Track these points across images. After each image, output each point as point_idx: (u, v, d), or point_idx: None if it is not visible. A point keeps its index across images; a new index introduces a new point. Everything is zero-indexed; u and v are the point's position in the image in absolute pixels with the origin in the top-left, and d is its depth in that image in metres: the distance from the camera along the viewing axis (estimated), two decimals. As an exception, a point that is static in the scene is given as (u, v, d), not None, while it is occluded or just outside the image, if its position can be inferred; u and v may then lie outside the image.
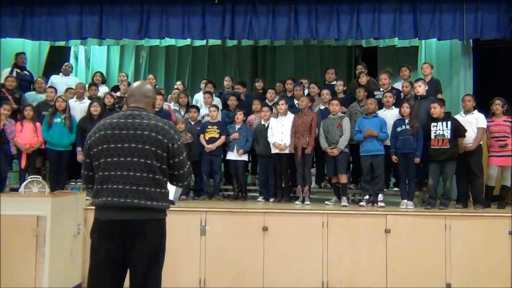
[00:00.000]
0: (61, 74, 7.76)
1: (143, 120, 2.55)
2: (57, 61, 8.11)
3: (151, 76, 7.92)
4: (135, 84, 2.80)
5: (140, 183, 2.48)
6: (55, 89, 7.00)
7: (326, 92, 6.41)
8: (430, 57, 7.72)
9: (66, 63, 7.92)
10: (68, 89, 7.20)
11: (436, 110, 5.56)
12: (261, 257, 5.05)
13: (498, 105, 5.71)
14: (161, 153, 2.53)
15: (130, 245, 2.47)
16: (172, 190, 2.97)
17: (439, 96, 6.38)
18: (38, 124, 6.36)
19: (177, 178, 2.68)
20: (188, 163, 2.71)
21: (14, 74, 7.24)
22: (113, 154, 2.50)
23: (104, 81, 8.04)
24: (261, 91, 7.28)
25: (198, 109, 6.85)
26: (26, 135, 6.26)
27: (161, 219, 2.60)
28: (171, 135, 2.57)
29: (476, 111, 5.74)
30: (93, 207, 2.58)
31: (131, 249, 2.47)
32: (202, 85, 7.77)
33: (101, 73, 8.11)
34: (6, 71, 7.34)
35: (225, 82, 7.73)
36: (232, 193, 6.55)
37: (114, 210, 2.47)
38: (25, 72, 7.56)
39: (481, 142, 5.66)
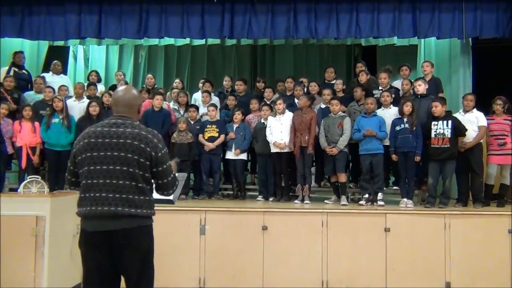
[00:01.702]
0: (51, 72, 7.71)
1: (126, 128, 2.55)
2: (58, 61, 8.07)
3: (150, 75, 7.92)
4: (119, 90, 2.77)
5: (123, 190, 2.48)
6: (53, 89, 6.98)
7: (327, 92, 6.39)
8: (429, 56, 7.73)
9: (54, 62, 7.81)
10: (61, 86, 7.15)
11: (438, 109, 5.56)
12: (261, 257, 5.05)
13: (499, 105, 5.71)
14: (143, 161, 2.53)
15: (118, 253, 2.48)
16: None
17: (440, 95, 6.38)
18: (36, 123, 6.36)
19: (161, 187, 2.66)
20: (174, 172, 2.69)
21: (12, 73, 7.22)
22: (96, 162, 2.51)
23: (99, 80, 8.01)
24: (263, 90, 7.27)
25: (197, 108, 6.84)
26: (25, 135, 6.26)
27: (147, 225, 2.59)
28: (154, 143, 2.57)
29: (475, 109, 5.74)
30: (81, 220, 2.58)
31: (121, 258, 2.49)
32: (200, 85, 7.77)
33: (97, 72, 8.08)
34: (3, 70, 7.32)
35: (224, 82, 7.72)
36: (231, 192, 6.55)
37: (98, 219, 2.47)
38: (23, 71, 7.55)
39: (481, 141, 5.66)
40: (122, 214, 2.46)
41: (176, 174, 2.82)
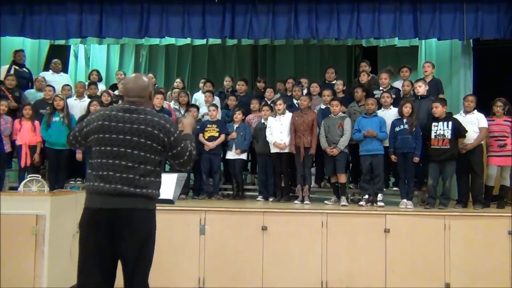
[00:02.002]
0: (51, 71, 7.71)
1: (140, 115, 2.61)
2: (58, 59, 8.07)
3: (151, 75, 7.90)
4: (131, 77, 2.81)
5: (131, 171, 2.53)
6: (54, 88, 6.99)
7: (327, 93, 6.39)
8: (430, 57, 7.73)
9: (54, 60, 7.80)
10: (64, 86, 7.18)
11: (438, 109, 5.55)
12: (260, 257, 5.05)
13: (499, 106, 5.70)
14: (156, 146, 2.59)
15: (118, 234, 2.48)
16: (172, 189, 2.97)
17: (441, 96, 6.37)
18: (36, 122, 6.37)
19: (178, 166, 2.77)
20: (190, 148, 2.73)
21: (12, 71, 7.23)
22: (107, 143, 2.56)
23: (100, 79, 8.02)
24: (263, 90, 7.28)
25: (197, 108, 6.84)
26: (25, 134, 6.27)
27: (150, 209, 2.61)
28: (167, 129, 2.62)
29: (475, 111, 5.74)
30: (86, 197, 2.61)
31: (120, 240, 2.49)
32: (201, 85, 7.78)
33: (98, 71, 8.09)
34: (4, 68, 7.33)
35: (225, 82, 7.72)
36: (231, 192, 6.55)
37: (103, 196, 2.50)
38: (24, 69, 7.56)
39: (482, 142, 5.66)
40: (127, 193, 2.50)
41: (177, 174, 2.84)
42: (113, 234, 2.48)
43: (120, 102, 6.78)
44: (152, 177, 2.59)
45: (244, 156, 6.45)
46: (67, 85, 7.26)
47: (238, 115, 6.45)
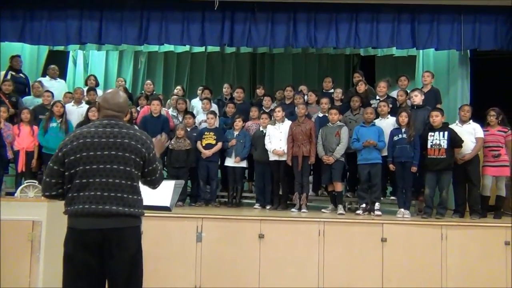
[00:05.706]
0: (48, 77, 7.69)
1: (121, 129, 2.60)
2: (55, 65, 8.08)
3: (149, 81, 7.95)
4: (109, 93, 2.77)
5: (118, 189, 2.50)
6: (52, 93, 6.99)
7: (325, 101, 6.42)
8: (427, 67, 7.75)
9: (51, 66, 7.78)
10: (66, 93, 7.20)
11: (438, 118, 5.56)
12: (257, 265, 5.04)
13: (493, 116, 5.74)
14: (139, 160, 2.59)
15: (108, 253, 2.46)
16: (169, 196, 2.97)
17: (438, 106, 6.39)
18: (35, 127, 6.37)
19: (149, 183, 2.75)
20: (160, 168, 2.77)
21: (9, 77, 7.23)
22: (93, 161, 2.50)
23: (97, 84, 8.01)
24: (262, 97, 7.29)
25: (193, 115, 6.84)
26: (24, 139, 6.27)
27: (137, 226, 2.62)
28: (147, 144, 2.65)
29: (471, 120, 5.77)
30: (71, 219, 2.56)
31: (110, 258, 2.46)
32: (199, 91, 7.78)
33: (95, 76, 8.09)
34: (1, 74, 7.33)
35: (224, 90, 7.73)
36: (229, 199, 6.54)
37: (91, 217, 2.46)
38: (21, 74, 7.55)
39: (479, 152, 5.68)
40: (117, 213, 2.47)
41: (174, 182, 2.83)
42: (102, 253, 2.45)
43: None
44: (137, 195, 2.58)
45: (244, 163, 6.44)
46: (70, 92, 7.29)
47: (238, 123, 6.45)
